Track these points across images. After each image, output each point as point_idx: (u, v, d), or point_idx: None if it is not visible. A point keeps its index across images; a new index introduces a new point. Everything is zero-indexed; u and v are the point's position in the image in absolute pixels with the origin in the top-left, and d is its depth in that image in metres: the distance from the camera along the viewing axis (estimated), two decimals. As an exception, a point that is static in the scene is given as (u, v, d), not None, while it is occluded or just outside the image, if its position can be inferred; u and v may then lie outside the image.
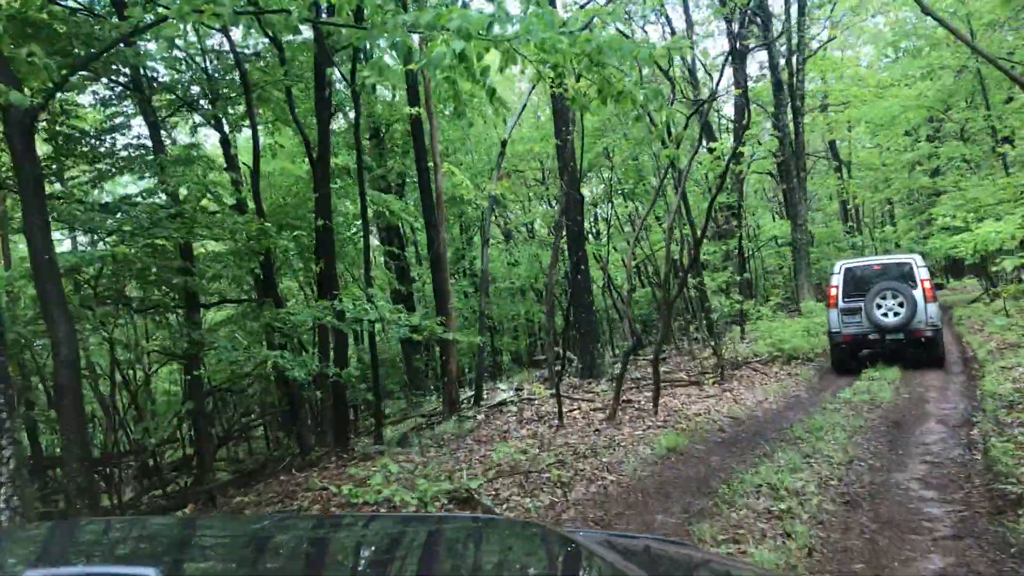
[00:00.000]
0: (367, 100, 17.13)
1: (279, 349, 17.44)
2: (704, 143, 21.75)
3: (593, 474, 6.42)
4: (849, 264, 12.15)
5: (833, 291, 11.65)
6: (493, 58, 4.64)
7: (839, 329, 11.48)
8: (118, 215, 10.60)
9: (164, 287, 12.24)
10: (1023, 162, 17.13)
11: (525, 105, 11.44)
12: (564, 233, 12.73)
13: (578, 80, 5.18)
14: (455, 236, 23.68)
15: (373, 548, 1.74)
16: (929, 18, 19.22)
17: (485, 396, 13.82)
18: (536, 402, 11.51)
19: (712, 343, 17.19)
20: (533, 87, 12.10)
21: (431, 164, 10.69)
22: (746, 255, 23.44)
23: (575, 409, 10.24)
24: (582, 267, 14.08)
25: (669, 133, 18.02)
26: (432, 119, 10.36)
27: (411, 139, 12.59)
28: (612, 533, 2.40)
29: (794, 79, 18.41)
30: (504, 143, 11.47)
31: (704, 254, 20.74)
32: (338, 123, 18.62)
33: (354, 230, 20.93)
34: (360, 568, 1.57)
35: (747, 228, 25.55)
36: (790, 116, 18.77)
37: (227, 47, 14.60)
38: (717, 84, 16.62)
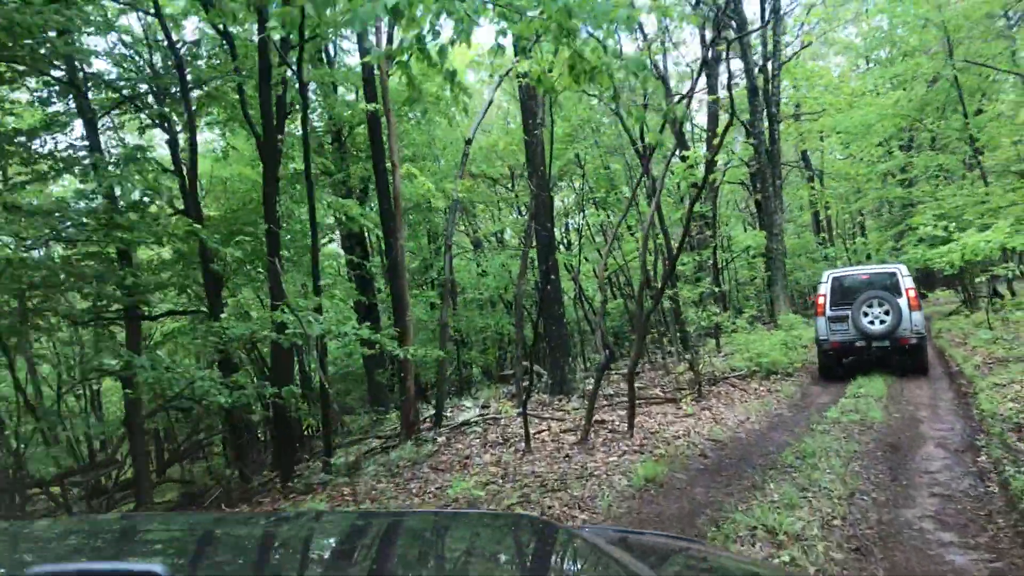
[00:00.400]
0: (328, 101, 16.33)
1: (234, 366, 16.45)
2: (677, 152, 21.34)
3: (563, 512, 5.65)
4: (836, 273, 12.30)
5: (821, 300, 11.86)
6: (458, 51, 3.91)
7: (827, 336, 11.73)
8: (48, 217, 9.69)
9: (102, 298, 11.29)
10: (999, 172, 16.88)
11: (491, 101, 10.72)
12: (534, 240, 12.00)
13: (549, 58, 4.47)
14: (423, 245, 22.86)
15: (382, 544, 1.72)
16: (903, 26, 19.00)
17: (449, 414, 13.01)
18: (502, 422, 10.72)
19: (688, 357, 16.59)
20: (500, 81, 11.39)
21: (389, 165, 9.90)
22: (720, 267, 22.95)
23: (544, 430, 9.47)
24: (552, 277, 13.36)
25: (643, 138, 17.49)
26: (389, 116, 9.59)
27: (376, 142, 11.78)
28: (619, 529, 2.31)
29: (769, 85, 17.95)
30: (468, 142, 10.72)
31: (678, 264, 20.19)
32: (296, 123, 17.76)
33: (323, 240, 20.10)
34: (372, 563, 1.56)
35: (721, 239, 25.10)
36: (766, 123, 18.29)
37: (183, 42, 13.81)
38: (693, 87, 16.08)
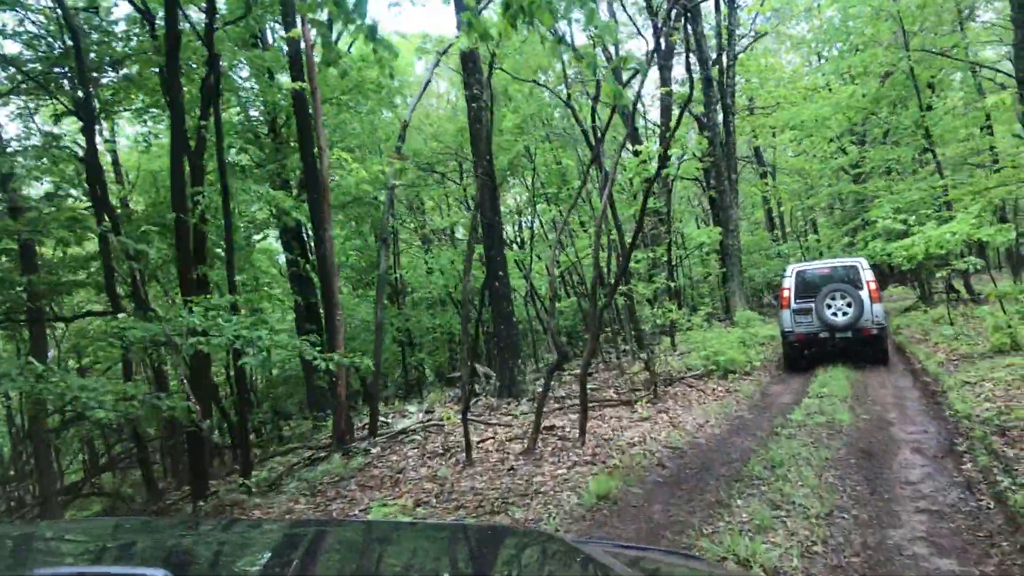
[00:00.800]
0: (263, 89, 15.28)
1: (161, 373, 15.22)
2: (629, 146, 20.80)
3: (501, 539, 4.86)
4: (800, 267, 12.65)
5: (786, 293, 12.17)
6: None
7: (792, 328, 12.03)
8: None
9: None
10: (954, 165, 16.74)
11: (428, 80, 9.87)
12: (480, 233, 11.21)
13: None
14: (371, 243, 21.89)
15: (386, 555, 1.69)
16: (856, 20, 18.72)
17: (390, 420, 12.14)
18: (446, 429, 9.91)
19: (643, 356, 16.00)
20: (438, 59, 10.54)
21: (317, 150, 8.99)
22: (674, 264, 22.49)
23: (488, 438, 8.69)
24: (501, 273, 12.60)
25: (595, 129, 16.85)
26: (316, 94, 8.69)
27: (304, 126, 10.82)
28: (621, 544, 2.15)
29: (724, 76, 17.47)
30: (405, 125, 9.85)
31: (632, 261, 19.61)
32: (231, 111, 16.65)
33: (257, 236, 18.95)
34: (372, 572, 1.56)
35: (675, 235, 24.69)
36: (720, 115, 17.82)
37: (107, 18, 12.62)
38: (642, 84, 15.49)
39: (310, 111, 9.34)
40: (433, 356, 22.00)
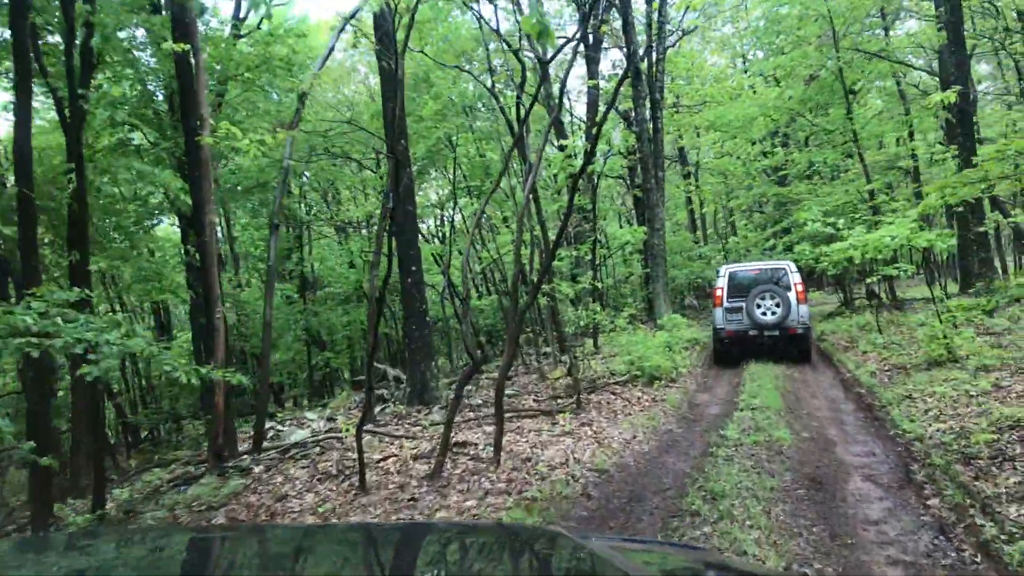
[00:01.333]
0: (161, 58, 13.66)
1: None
2: (555, 140, 20.03)
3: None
4: (732, 269, 13.26)
5: (719, 292, 12.83)
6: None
7: (724, 326, 12.67)
8: None
9: None
10: (882, 168, 16.66)
11: (332, 48, 8.68)
12: (389, 222, 10.10)
13: None
14: (283, 234, 20.38)
15: (390, 554, 1.71)
16: (785, 19, 18.48)
17: (285, 429, 10.93)
18: (345, 443, 8.79)
19: (564, 360, 15.23)
20: (344, 24, 9.35)
21: (199, 121, 7.71)
22: (598, 263, 21.86)
23: (389, 457, 7.63)
24: (414, 267, 11.54)
25: (519, 118, 15.95)
26: (198, 57, 7.42)
27: (188, 96, 9.43)
28: (626, 538, 2.39)
29: (653, 69, 16.86)
30: (302, 96, 8.63)
31: (556, 259, 18.84)
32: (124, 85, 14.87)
33: (152, 221, 17.18)
34: (378, 574, 1.56)
35: (599, 233, 24.12)
36: (648, 111, 17.22)
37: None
38: (567, 73, 14.71)
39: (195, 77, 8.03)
40: (344, 355, 20.67)
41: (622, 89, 21.07)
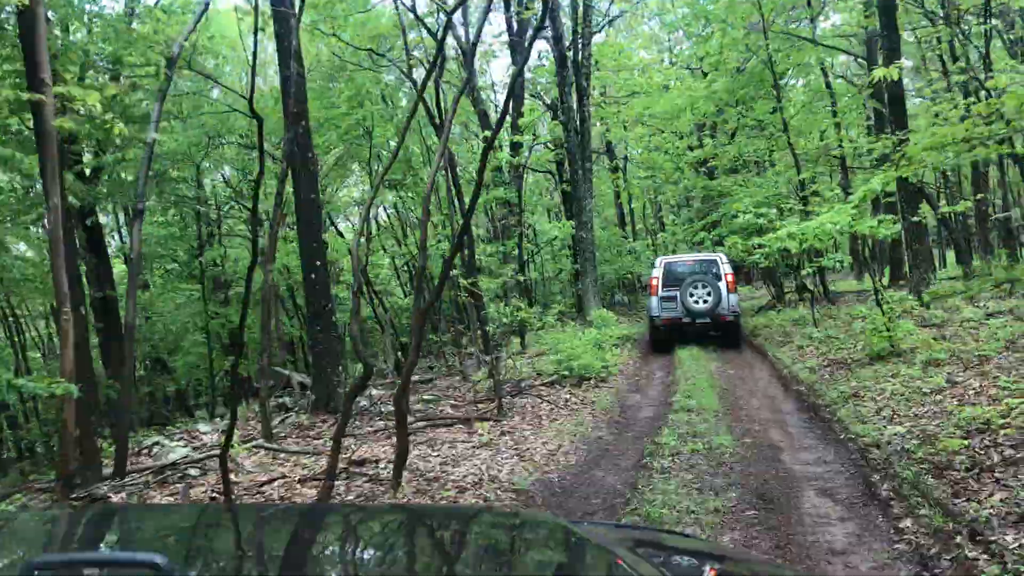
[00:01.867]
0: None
1: None
2: (479, 133, 19.11)
3: None
4: (668, 260, 13.92)
5: (654, 282, 13.43)
6: None
7: (659, 313, 13.31)
8: None
9: None
10: (813, 158, 16.38)
11: (206, 8, 7.43)
12: (285, 210, 8.98)
13: None
14: (192, 230, 18.85)
15: (385, 537, 1.68)
16: (714, 4, 17.99)
17: (171, 443, 9.64)
18: (237, 461, 7.61)
19: (488, 360, 14.36)
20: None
21: (43, 88, 6.44)
22: (525, 258, 21.03)
23: (277, 479, 6.53)
24: (319, 263, 10.40)
25: (439, 108, 14.98)
26: (37, 7, 6.17)
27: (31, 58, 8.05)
28: (622, 525, 2.26)
29: (580, 55, 16.09)
30: (171, 61, 7.36)
31: (481, 255, 17.88)
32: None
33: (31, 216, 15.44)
34: (380, 557, 1.55)
35: (526, 227, 23.33)
36: (575, 98, 16.46)
37: None
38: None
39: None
40: (253, 359, 19.21)
41: (549, 79, 20.31)
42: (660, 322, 13.23)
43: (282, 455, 7.89)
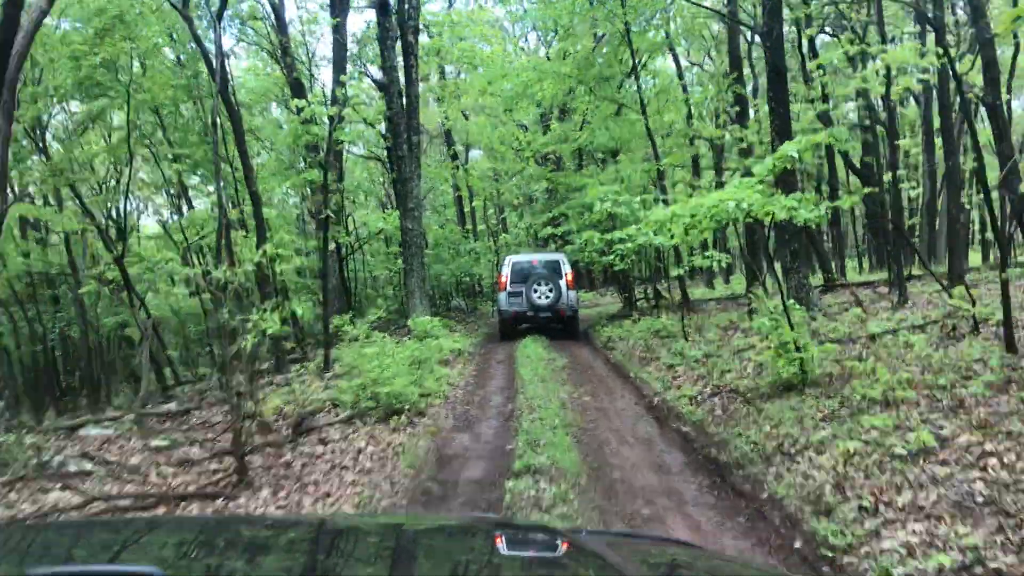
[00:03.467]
0: None
1: None
2: (291, 104, 15.75)
3: None
4: (515, 259, 14.77)
5: (503, 279, 14.20)
6: None
7: (507, 307, 14.19)
8: None
9: None
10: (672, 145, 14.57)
11: None
12: None
13: None
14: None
15: (383, 549, 1.67)
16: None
17: None
18: None
19: (276, 383, 11.14)
20: None
21: None
22: (343, 255, 17.75)
23: None
24: None
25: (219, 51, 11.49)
26: None
27: None
28: (614, 532, 2.23)
29: (406, 4, 13.11)
30: None
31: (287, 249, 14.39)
32: None
33: None
34: (371, 568, 1.53)
35: (348, 218, 20.05)
36: (400, 58, 13.49)
37: None
38: None
39: None
40: None
41: (377, 51, 17.19)
42: (508, 316, 14.21)
43: None
